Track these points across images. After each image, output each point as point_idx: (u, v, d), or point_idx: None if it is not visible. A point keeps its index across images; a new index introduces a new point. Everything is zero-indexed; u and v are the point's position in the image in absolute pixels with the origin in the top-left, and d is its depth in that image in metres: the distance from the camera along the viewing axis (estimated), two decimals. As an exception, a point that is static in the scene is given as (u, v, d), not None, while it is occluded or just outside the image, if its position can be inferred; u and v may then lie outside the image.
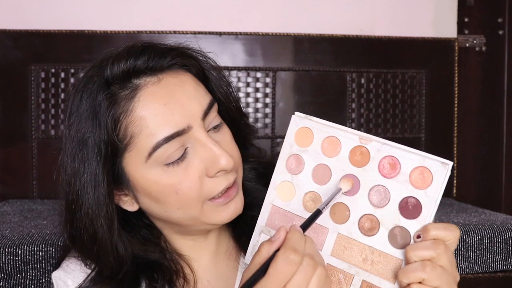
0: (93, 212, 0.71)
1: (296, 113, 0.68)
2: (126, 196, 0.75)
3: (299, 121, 0.67)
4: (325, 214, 0.64)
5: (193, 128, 0.70)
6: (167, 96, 0.70)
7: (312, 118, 0.67)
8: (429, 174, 0.60)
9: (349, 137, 0.64)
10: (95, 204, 0.70)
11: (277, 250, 0.58)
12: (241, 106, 0.85)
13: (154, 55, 0.72)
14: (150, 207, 0.74)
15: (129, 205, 0.75)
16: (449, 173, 0.60)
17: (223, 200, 0.72)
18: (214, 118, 0.74)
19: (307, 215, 0.65)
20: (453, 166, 0.60)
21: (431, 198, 0.60)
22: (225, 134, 0.75)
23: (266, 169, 0.83)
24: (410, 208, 0.60)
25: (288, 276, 0.56)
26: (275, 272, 0.56)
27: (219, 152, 0.70)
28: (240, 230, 0.81)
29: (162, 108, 0.69)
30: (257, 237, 0.69)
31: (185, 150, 0.70)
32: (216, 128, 0.74)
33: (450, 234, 0.58)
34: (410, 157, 0.61)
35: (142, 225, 0.79)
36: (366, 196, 0.63)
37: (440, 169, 0.60)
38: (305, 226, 0.61)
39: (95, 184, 0.70)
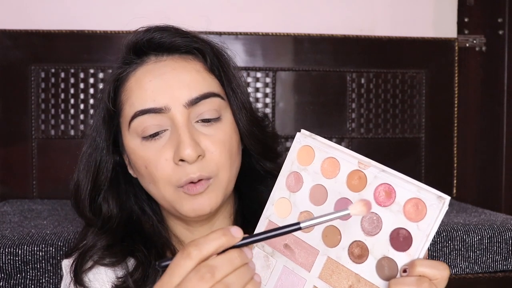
0: (91, 156, 0.78)
1: (302, 130, 0.67)
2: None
3: (302, 139, 0.66)
4: (317, 235, 0.63)
5: (171, 110, 0.72)
6: (158, 75, 0.74)
7: (316, 137, 0.66)
8: (424, 207, 0.57)
9: (349, 160, 0.62)
10: (94, 148, 0.78)
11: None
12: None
13: (164, 36, 0.76)
14: (136, 175, 0.79)
15: (131, 170, 0.80)
16: (445, 208, 0.56)
17: (189, 190, 0.72)
18: (207, 111, 0.74)
19: (300, 234, 0.64)
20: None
21: (422, 232, 0.57)
22: (218, 131, 0.74)
23: None
24: (400, 239, 0.58)
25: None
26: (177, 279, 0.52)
27: (185, 140, 0.70)
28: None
29: (147, 84, 0.73)
30: None
31: (164, 131, 0.73)
32: (208, 121, 0.74)
33: (438, 273, 0.55)
34: (407, 187, 0.58)
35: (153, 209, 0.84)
36: (359, 222, 0.60)
37: (435, 203, 0.56)
38: (274, 235, 0.56)
39: (98, 132, 0.78)
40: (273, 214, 0.67)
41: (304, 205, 0.65)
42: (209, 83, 0.75)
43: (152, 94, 0.72)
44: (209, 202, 0.73)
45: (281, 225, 0.66)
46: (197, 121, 0.73)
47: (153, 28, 0.77)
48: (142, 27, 0.79)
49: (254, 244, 0.68)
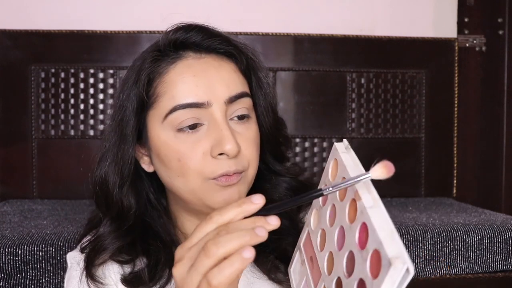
0: (119, 148, 0.78)
1: (345, 140, 0.62)
2: (146, 156, 0.81)
3: (335, 151, 0.62)
4: (324, 257, 0.58)
5: (212, 106, 0.74)
6: (200, 70, 0.76)
7: (347, 152, 0.60)
8: (379, 264, 0.46)
9: (354, 186, 0.54)
10: (122, 140, 0.78)
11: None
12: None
13: (203, 34, 0.79)
14: (159, 169, 0.79)
15: (147, 165, 0.81)
16: (398, 276, 0.43)
17: (223, 181, 0.74)
18: (242, 109, 0.77)
19: (317, 251, 0.61)
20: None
21: None
22: (249, 130, 0.77)
23: (298, 189, 0.84)
24: None
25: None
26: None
27: (227, 135, 0.73)
28: None
29: (190, 78, 0.75)
30: (296, 253, 0.69)
31: (200, 125, 0.74)
32: (241, 119, 0.77)
33: None
34: (379, 234, 0.47)
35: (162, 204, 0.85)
36: (344, 258, 0.54)
37: (386, 264, 0.44)
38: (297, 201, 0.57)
39: (126, 123, 0.78)
40: (311, 223, 0.66)
41: (324, 222, 0.61)
42: (243, 83, 0.79)
43: (195, 89, 0.74)
44: (238, 193, 0.76)
45: (314, 235, 0.63)
46: (231, 119, 0.76)
47: (193, 26, 0.80)
48: (180, 23, 0.81)
49: (298, 248, 0.67)
